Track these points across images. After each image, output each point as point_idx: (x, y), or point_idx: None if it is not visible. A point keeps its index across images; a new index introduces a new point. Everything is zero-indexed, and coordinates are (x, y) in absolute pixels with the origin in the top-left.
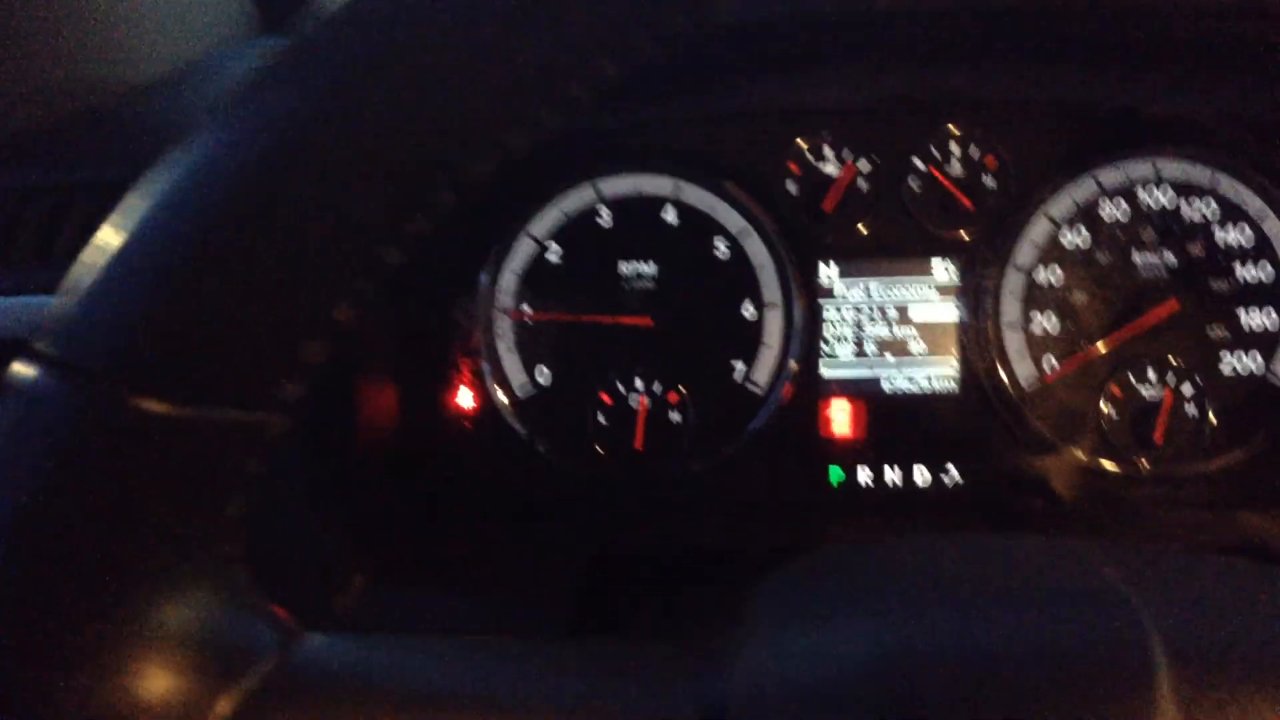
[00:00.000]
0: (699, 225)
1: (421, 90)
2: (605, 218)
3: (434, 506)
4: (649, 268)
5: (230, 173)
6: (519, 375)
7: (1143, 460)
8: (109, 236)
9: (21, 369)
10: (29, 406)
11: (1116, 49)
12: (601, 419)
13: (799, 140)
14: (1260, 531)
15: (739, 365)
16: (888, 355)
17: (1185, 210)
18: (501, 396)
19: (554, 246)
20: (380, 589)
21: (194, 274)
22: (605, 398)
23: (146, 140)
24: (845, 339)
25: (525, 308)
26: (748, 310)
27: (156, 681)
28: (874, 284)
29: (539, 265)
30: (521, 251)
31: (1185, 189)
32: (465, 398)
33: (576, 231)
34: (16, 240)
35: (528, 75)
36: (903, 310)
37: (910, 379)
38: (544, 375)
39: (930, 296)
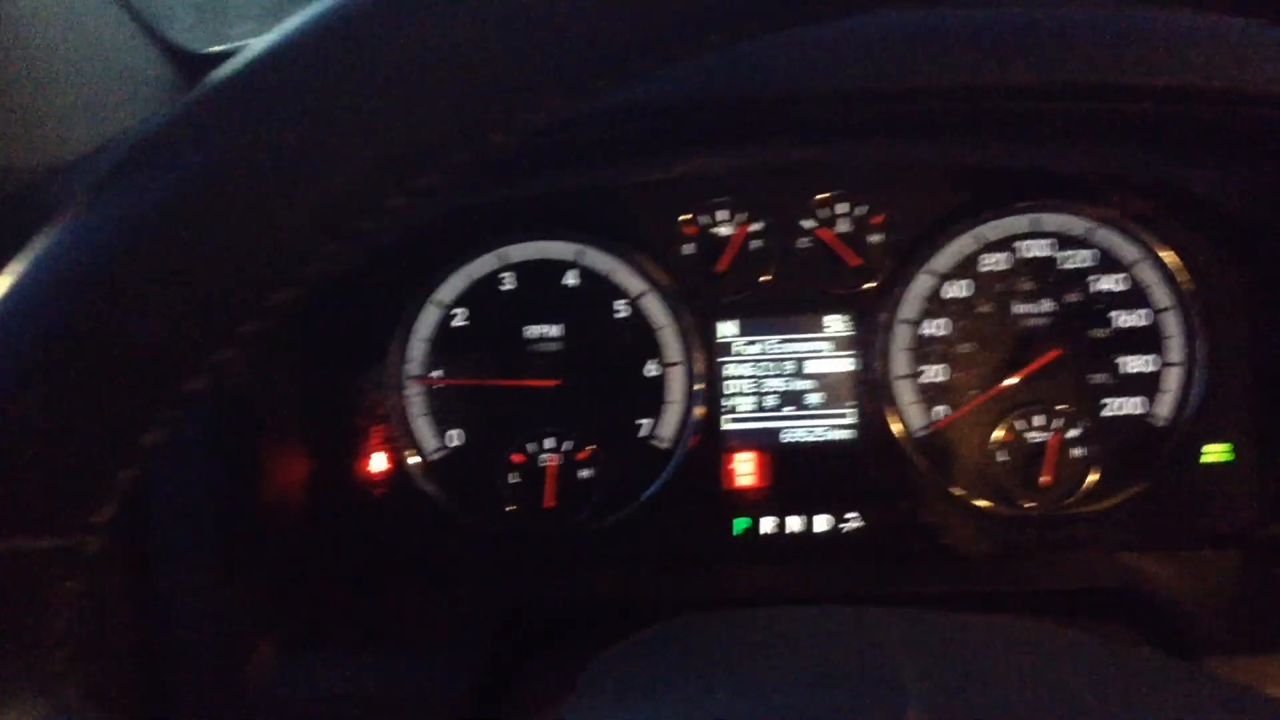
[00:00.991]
0: (601, 288)
1: (238, 217)
2: (510, 282)
3: (348, 570)
4: (554, 330)
5: (31, 305)
6: (430, 439)
7: (1031, 502)
8: None
9: None
10: None
11: (994, 120)
12: (513, 478)
13: (694, 204)
14: (1141, 573)
15: (645, 422)
16: (787, 407)
17: (1063, 261)
18: (413, 460)
19: (461, 312)
20: (295, 653)
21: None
22: (516, 457)
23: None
24: (745, 393)
25: (435, 373)
26: (651, 369)
27: None
28: (771, 339)
29: (446, 331)
30: (428, 318)
31: (1063, 240)
32: (377, 462)
33: (482, 297)
34: None
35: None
36: (799, 364)
37: (809, 429)
38: (455, 438)
39: (825, 350)
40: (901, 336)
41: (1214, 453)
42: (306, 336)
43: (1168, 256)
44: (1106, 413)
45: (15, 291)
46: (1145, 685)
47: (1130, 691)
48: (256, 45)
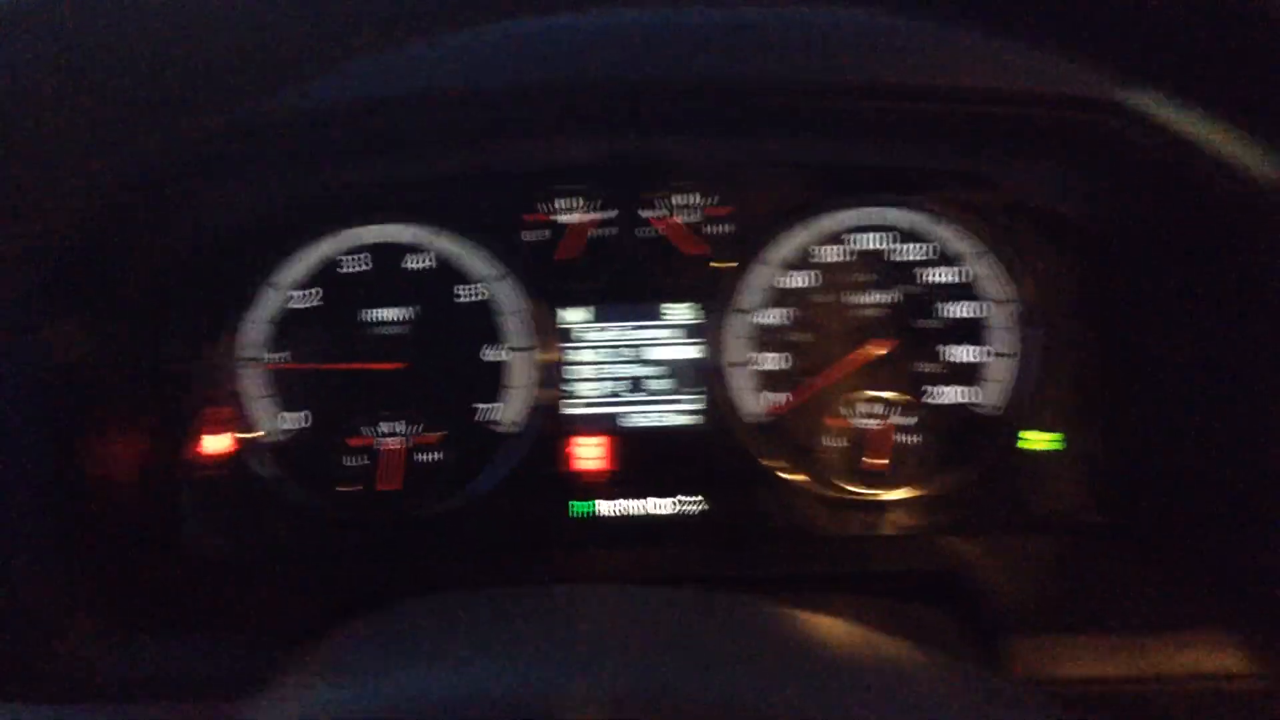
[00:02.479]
0: (447, 273)
1: None
2: (355, 266)
3: (182, 550)
4: (399, 314)
5: None
6: (271, 421)
7: (863, 487)
8: None
9: None
10: None
11: (831, 116)
12: (354, 461)
13: (541, 194)
14: (962, 557)
15: (489, 406)
16: (630, 393)
17: (897, 254)
18: (253, 442)
19: (304, 295)
20: (112, 630)
21: None
22: (358, 440)
23: None
24: (590, 379)
25: (277, 356)
26: (496, 354)
27: None
28: (615, 326)
29: (289, 313)
30: (271, 299)
31: (899, 234)
32: (215, 444)
33: (327, 279)
34: None
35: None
36: (642, 350)
37: (651, 415)
38: (297, 420)
39: (668, 337)
40: (740, 325)
41: (1042, 441)
42: (147, 314)
43: (1001, 251)
44: (937, 401)
45: None
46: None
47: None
48: None
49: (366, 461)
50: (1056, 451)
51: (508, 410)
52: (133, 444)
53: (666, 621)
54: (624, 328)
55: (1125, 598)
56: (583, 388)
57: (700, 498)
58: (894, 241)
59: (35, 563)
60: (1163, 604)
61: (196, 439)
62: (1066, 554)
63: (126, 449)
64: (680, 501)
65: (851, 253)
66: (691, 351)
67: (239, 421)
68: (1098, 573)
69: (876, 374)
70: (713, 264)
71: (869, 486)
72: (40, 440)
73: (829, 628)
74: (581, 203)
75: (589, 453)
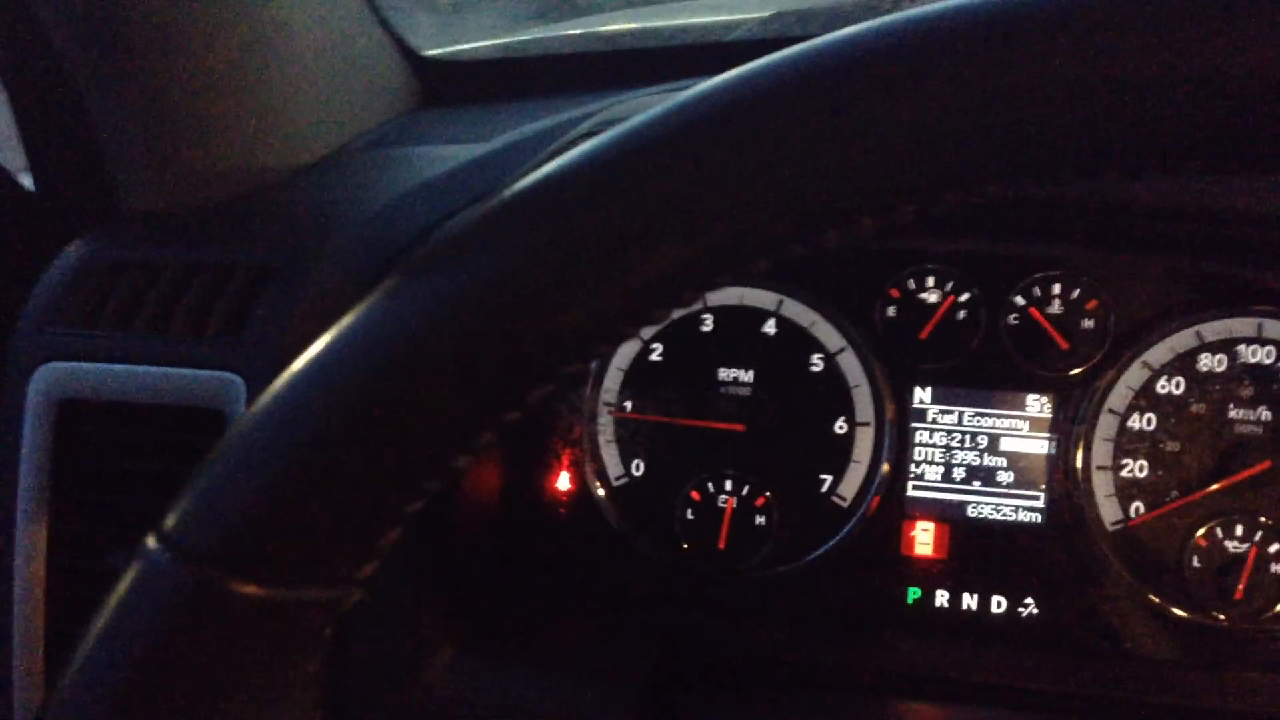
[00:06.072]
0: (798, 340)
1: (539, 308)
2: (708, 324)
3: (527, 585)
4: (746, 376)
5: (334, 379)
6: (615, 466)
7: (1221, 614)
8: (239, 422)
9: (149, 543)
10: (144, 578)
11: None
12: (689, 515)
13: (902, 269)
14: None
15: (827, 478)
16: (975, 482)
17: None
18: (597, 485)
19: (658, 347)
20: (467, 660)
21: (291, 473)
22: (695, 495)
23: (302, 222)
24: (934, 462)
25: (626, 404)
26: (840, 426)
27: None
28: (967, 412)
29: (642, 364)
30: (627, 350)
31: None
32: (563, 483)
33: (680, 335)
34: (172, 314)
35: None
36: (994, 440)
37: (996, 508)
38: (638, 468)
39: (1022, 429)
40: (1105, 426)
41: None
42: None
43: None
44: None
45: (332, 357)
46: None
47: None
48: (580, 151)
49: (700, 516)
50: None
51: (845, 484)
52: (494, 482)
53: None
54: (977, 414)
55: None
56: (926, 470)
57: (1041, 601)
58: (1279, 356)
59: (403, 593)
60: None
61: (550, 479)
62: None
63: (489, 487)
64: (1020, 601)
65: (1236, 364)
66: (1049, 447)
67: (588, 465)
68: None
69: (1249, 495)
70: (1083, 359)
71: (1229, 614)
72: None
73: None
74: (946, 282)
75: (926, 537)
